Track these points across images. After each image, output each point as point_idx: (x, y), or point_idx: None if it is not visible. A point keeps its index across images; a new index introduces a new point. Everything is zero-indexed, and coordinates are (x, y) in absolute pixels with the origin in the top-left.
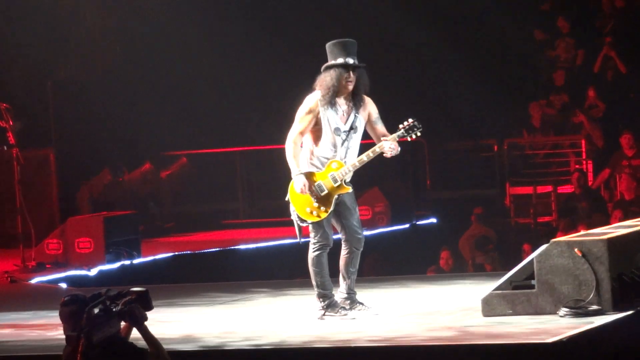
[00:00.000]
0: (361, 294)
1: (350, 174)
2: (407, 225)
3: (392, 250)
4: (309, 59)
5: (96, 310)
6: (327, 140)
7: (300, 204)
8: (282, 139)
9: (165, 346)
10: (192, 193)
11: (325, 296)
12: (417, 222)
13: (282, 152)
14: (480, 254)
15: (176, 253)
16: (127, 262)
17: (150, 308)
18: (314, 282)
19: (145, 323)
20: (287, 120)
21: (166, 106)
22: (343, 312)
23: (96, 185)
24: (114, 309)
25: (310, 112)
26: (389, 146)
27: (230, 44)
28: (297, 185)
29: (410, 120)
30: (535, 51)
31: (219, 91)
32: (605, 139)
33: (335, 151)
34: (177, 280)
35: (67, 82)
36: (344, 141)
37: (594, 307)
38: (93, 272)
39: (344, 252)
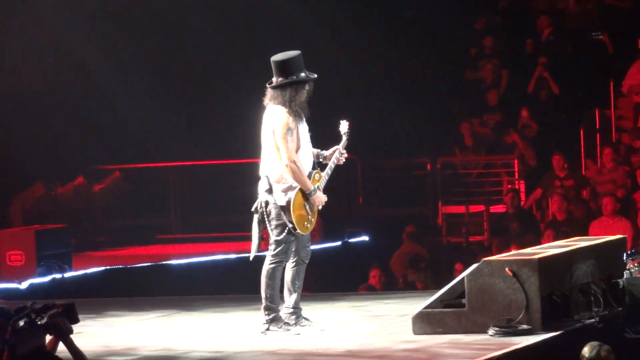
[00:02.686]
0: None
1: None
2: (338, 243)
3: (324, 267)
4: (247, 76)
5: (21, 323)
6: (304, 152)
7: (301, 219)
8: (215, 155)
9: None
10: (125, 207)
11: (271, 310)
12: (349, 240)
13: (214, 167)
14: (411, 272)
15: (108, 267)
16: (59, 276)
17: (76, 321)
18: (263, 295)
19: (71, 336)
20: (220, 136)
21: (100, 120)
22: (287, 327)
23: (28, 197)
24: (39, 322)
25: (290, 128)
26: (344, 157)
27: (167, 58)
28: (317, 202)
29: (345, 122)
30: (468, 67)
31: (153, 106)
32: (537, 159)
33: (310, 161)
34: (109, 294)
35: None
36: (310, 150)
37: (524, 326)
38: (24, 285)
39: (290, 265)
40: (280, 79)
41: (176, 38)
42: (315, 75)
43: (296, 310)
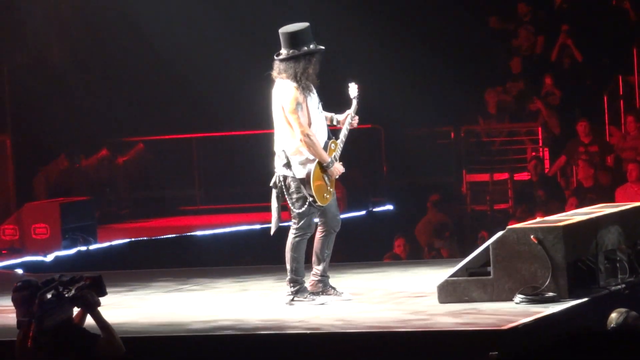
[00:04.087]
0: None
1: None
2: (363, 212)
3: (349, 237)
4: (264, 47)
5: (49, 296)
6: (316, 124)
7: (320, 190)
8: (238, 126)
9: (120, 332)
10: (148, 179)
11: (296, 282)
12: (374, 209)
13: (237, 138)
14: (436, 240)
15: (132, 239)
16: (84, 248)
17: (103, 294)
18: (288, 267)
19: (99, 309)
20: (245, 107)
21: (123, 92)
22: (311, 297)
23: (53, 171)
24: (66, 295)
25: (300, 103)
26: (356, 120)
27: (187, 28)
28: (336, 172)
29: (354, 85)
30: (492, 38)
31: (175, 78)
32: (561, 127)
33: (324, 132)
34: (134, 266)
35: (23, 67)
36: (324, 121)
37: (550, 294)
38: (49, 258)
39: (320, 234)
40: (291, 51)
41: (182, 15)
42: (323, 48)
43: (323, 279)
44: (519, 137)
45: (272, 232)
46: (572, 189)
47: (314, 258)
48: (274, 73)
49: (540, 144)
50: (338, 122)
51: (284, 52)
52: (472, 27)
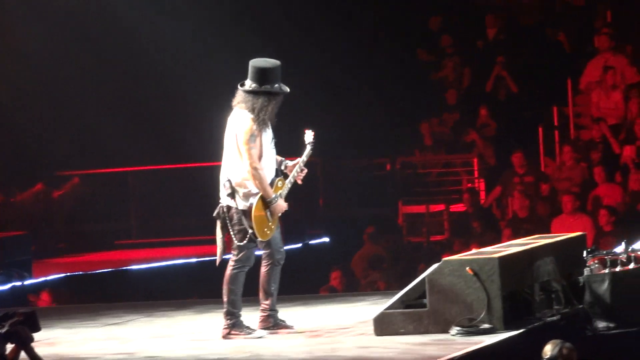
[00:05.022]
0: (253, 313)
1: None
2: (299, 244)
3: (284, 269)
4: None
5: None
6: (266, 159)
7: (261, 224)
8: (173, 159)
9: None
10: (84, 213)
11: (233, 315)
12: (310, 242)
13: (172, 171)
14: (373, 272)
15: (68, 274)
16: (19, 283)
17: (37, 329)
18: (225, 299)
19: (32, 344)
20: (177, 141)
21: (59, 126)
22: (248, 331)
23: None
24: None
25: (254, 135)
26: (304, 174)
27: (129, 62)
28: (278, 210)
29: (310, 132)
30: (424, 70)
31: (111, 111)
32: (497, 158)
33: (272, 168)
34: (70, 301)
35: None
36: (274, 158)
37: (486, 325)
38: None
39: (264, 267)
40: (254, 85)
41: (130, 43)
42: (288, 90)
43: (273, 313)
44: (455, 169)
45: (217, 263)
46: (508, 220)
47: (261, 293)
48: (234, 101)
49: (476, 175)
50: (286, 167)
51: (247, 83)
52: (404, 59)
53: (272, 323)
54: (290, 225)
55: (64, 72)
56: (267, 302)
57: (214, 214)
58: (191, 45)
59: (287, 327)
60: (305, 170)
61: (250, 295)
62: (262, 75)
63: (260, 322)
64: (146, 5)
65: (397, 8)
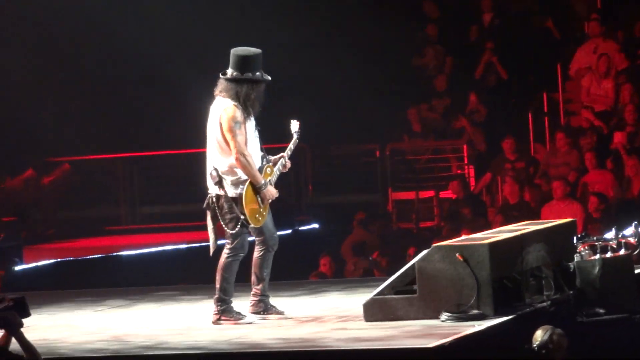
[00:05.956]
0: (244, 299)
1: None
2: (289, 231)
3: (275, 255)
4: (192, 70)
5: None
6: (252, 147)
7: (252, 211)
8: (164, 146)
9: (44, 353)
10: (74, 199)
11: (223, 301)
12: (299, 228)
13: (162, 157)
14: (362, 259)
15: (58, 260)
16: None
17: (27, 314)
18: (218, 286)
19: (23, 330)
20: (169, 127)
21: (49, 111)
22: (238, 317)
23: None
24: None
25: (239, 122)
26: (288, 165)
27: (118, 50)
28: (268, 195)
29: (296, 122)
30: (409, 56)
31: (101, 97)
32: (487, 144)
33: (259, 155)
34: (60, 287)
35: None
36: (259, 146)
37: (476, 311)
38: None
39: (257, 253)
40: (235, 73)
41: (118, 27)
42: (269, 78)
43: (264, 298)
44: (445, 155)
45: (210, 253)
46: (498, 207)
47: (253, 278)
48: (216, 90)
49: (466, 162)
50: (269, 162)
51: (229, 72)
52: (396, 44)
53: (263, 308)
54: (280, 211)
55: (52, 57)
56: (259, 286)
57: (204, 205)
58: (179, 33)
59: (278, 312)
60: (289, 164)
61: (241, 281)
62: (244, 63)
63: (252, 306)
64: None
65: None
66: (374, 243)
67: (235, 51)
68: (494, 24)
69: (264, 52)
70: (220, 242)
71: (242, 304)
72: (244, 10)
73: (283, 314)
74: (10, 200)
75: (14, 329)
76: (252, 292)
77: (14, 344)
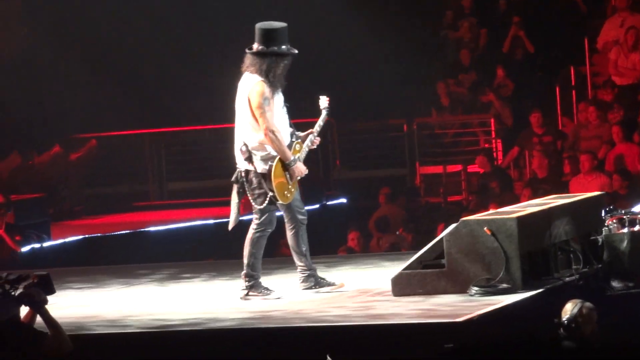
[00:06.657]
0: (274, 275)
1: None
2: (317, 206)
3: None
4: (221, 42)
5: None
6: (280, 122)
7: (281, 187)
8: (192, 121)
9: (69, 329)
10: (101, 175)
11: (252, 277)
12: (327, 202)
13: (189, 133)
14: (390, 233)
15: (86, 236)
16: (37, 246)
17: (52, 292)
18: (245, 261)
19: (50, 305)
20: (197, 103)
21: (76, 88)
22: (266, 292)
23: (5, 168)
24: (12, 293)
25: (267, 98)
26: (317, 141)
27: (141, 23)
28: (297, 172)
29: (325, 97)
30: (442, 30)
31: (128, 73)
32: (514, 118)
33: (287, 132)
34: (88, 262)
35: None
36: (287, 121)
37: (504, 285)
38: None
39: (290, 231)
40: (260, 47)
41: (144, 1)
42: (296, 51)
43: (312, 272)
44: (472, 129)
45: (230, 228)
46: (526, 180)
47: (294, 256)
48: (244, 66)
49: (493, 136)
50: (298, 138)
51: (254, 46)
52: (423, 20)
53: (314, 282)
54: (308, 186)
55: (78, 34)
56: (302, 263)
57: (232, 179)
58: (206, 7)
59: (329, 284)
60: (319, 140)
61: (268, 256)
62: (269, 37)
63: (302, 282)
64: None
65: None
66: (401, 218)
67: (260, 25)
68: None
69: (290, 28)
70: (242, 217)
71: (270, 280)
72: None
73: (335, 285)
74: (37, 177)
75: (39, 306)
76: (298, 270)
77: (39, 321)
